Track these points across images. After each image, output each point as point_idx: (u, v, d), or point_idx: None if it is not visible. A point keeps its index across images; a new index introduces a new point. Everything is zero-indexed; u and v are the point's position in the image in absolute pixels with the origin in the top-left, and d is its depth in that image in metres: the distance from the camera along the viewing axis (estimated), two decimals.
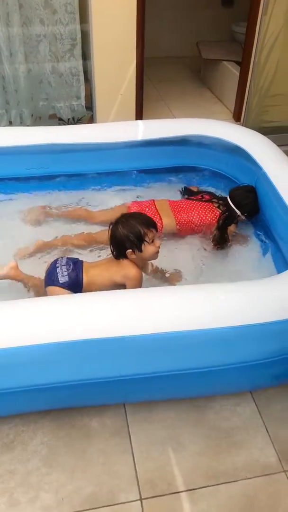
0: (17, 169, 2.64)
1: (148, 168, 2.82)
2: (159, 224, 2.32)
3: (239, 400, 1.81)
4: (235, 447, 1.68)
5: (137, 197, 2.66)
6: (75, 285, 1.87)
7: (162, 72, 4.64)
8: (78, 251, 2.30)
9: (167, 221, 2.36)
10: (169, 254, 2.28)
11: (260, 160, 2.50)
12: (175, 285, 2.12)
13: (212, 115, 3.81)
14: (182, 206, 2.44)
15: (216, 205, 2.46)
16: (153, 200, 2.47)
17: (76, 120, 3.45)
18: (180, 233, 2.40)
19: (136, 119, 3.51)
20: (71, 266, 1.91)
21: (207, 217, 2.40)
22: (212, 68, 4.27)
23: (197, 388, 1.75)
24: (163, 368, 1.58)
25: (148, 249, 1.87)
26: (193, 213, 2.41)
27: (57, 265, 1.93)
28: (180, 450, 1.66)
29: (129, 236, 1.84)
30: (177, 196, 2.68)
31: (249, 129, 2.78)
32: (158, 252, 1.92)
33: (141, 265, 1.96)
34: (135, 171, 2.78)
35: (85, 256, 2.23)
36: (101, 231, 2.37)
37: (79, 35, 3.15)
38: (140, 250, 1.85)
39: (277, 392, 1.85)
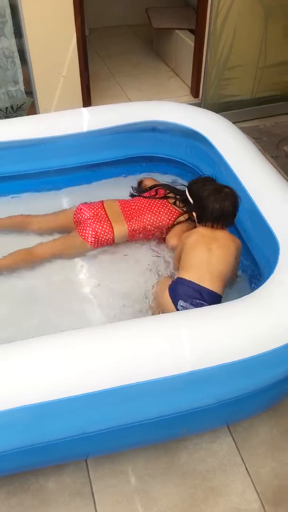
0: None
1: (97, 162, 2.51)
2: (110, 234, 2.06)
3: (214, 436, 1.61)
4: (213, 494, 1.48)
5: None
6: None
7: (111, 45, 4.23)
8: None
9: (118, 229, 2.08)
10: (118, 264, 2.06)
11: (221, 148, 2.22)
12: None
13: (168, 93, 3.51)
14: (133, 207, 2.15)
15: (172, 201, 2.18)
16: (102, 202, 2.18)
17: (15, 108, 3.06)
18: (131, 240, 2.14)
19: (84, 102, 3.15)
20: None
21: (162, 218, 2.12)
22: (165, 38, 3.89)
23: (168, 434, 1.53)
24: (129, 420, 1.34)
25: None
26: (146, 215, 2.12)
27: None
28: (151, 506, 1.45)
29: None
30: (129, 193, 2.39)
31: (208, 111, 2.48)
32: None
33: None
34: (81, 167, 2.46)
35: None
36: (40, 245, 2.10)
37: (8, 10, 2.71)
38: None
39: (254, 421, 1.66)
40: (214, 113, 2.44)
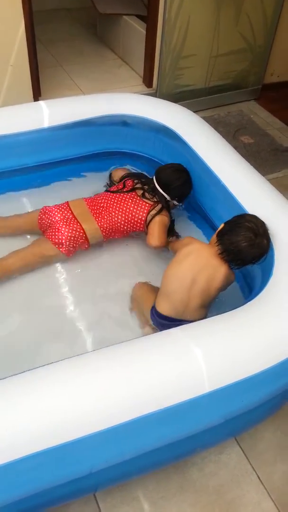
0: None
1: (59, 159, 2.32)
2: (81, 235, 1.93)
3: (221, 447, 1.57)
4: (230, 509, 1.44)
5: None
6: None
7: (50, 30, 3.96)
8: None
9: (89, 227, 1.95)
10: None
11: (191, 141, 2.15)
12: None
13: (121, 83, 3.36)
14: (101, 204, 2.02)
15: (140, 192, 2.06)
16: (67, 202, 2.02)
17: None
18: (106, 239, 2.02)
19: (34, 92, 2.92)
20: None
21: (133, 214, 2.00)
22: (111, 24, 3.70)
23: (182, 454, 1.46)
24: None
25: None
26: (116, 212, 2.00)
27: None
28: None
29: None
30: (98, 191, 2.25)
31: (175, 104, 2.38)
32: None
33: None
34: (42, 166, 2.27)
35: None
36: (10, 256, 1.92)
37: None
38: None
39: (257, 427, 1.63)
40: (183, 107, 2.36)
